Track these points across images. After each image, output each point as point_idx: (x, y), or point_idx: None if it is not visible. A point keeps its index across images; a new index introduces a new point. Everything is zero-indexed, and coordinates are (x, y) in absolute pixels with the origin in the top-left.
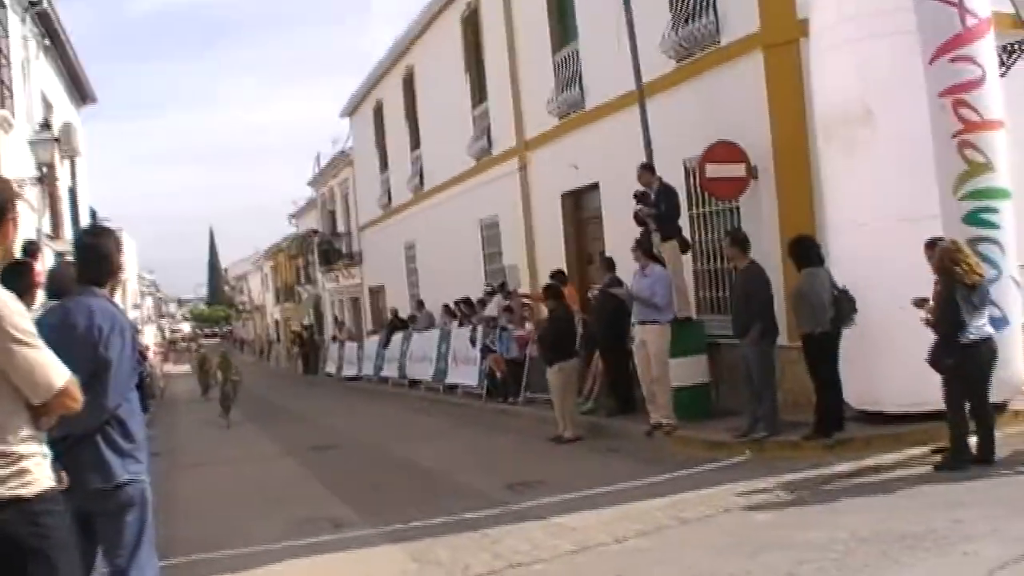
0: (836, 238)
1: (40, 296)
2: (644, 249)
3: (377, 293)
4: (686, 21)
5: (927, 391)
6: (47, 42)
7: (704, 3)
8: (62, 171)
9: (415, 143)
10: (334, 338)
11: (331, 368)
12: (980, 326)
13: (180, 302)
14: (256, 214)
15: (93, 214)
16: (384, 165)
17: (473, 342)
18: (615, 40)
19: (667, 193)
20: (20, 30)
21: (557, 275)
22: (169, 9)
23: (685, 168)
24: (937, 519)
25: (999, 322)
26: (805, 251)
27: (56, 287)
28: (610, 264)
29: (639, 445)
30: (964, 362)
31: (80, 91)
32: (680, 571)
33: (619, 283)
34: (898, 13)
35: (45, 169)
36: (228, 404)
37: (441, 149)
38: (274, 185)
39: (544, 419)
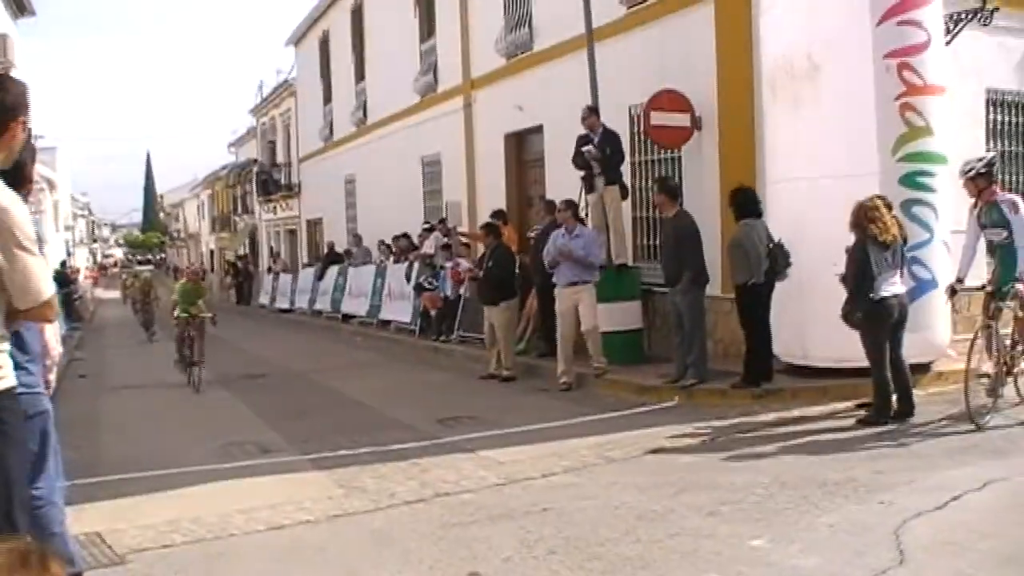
0: (774, 192)
1: None
2: (574, 211)
3: (315, 226)
4: None
5: (854, 347)
6: None
7: None
8: None
9: (360, 76)
10: (269, 269)
11: (264, 300)
12: (891, 283)
13: (114, 227)
14: (195, 141)
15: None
16: (328, 97)
17: (408, 278)
18: None
19: (612, 137)
20: None
21: (497, 214)
22: None
23: (630, 115)
24: (857, 469)
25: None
26: (744, 203)
27: None
28: (551, 207)
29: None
30: (873, 318)
31: (17, 2)
32: (605, 507)
33: (557, 226)
34: None
35: None
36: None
37: (386, 83)
38: (215, 112)
39: (476, 357)
